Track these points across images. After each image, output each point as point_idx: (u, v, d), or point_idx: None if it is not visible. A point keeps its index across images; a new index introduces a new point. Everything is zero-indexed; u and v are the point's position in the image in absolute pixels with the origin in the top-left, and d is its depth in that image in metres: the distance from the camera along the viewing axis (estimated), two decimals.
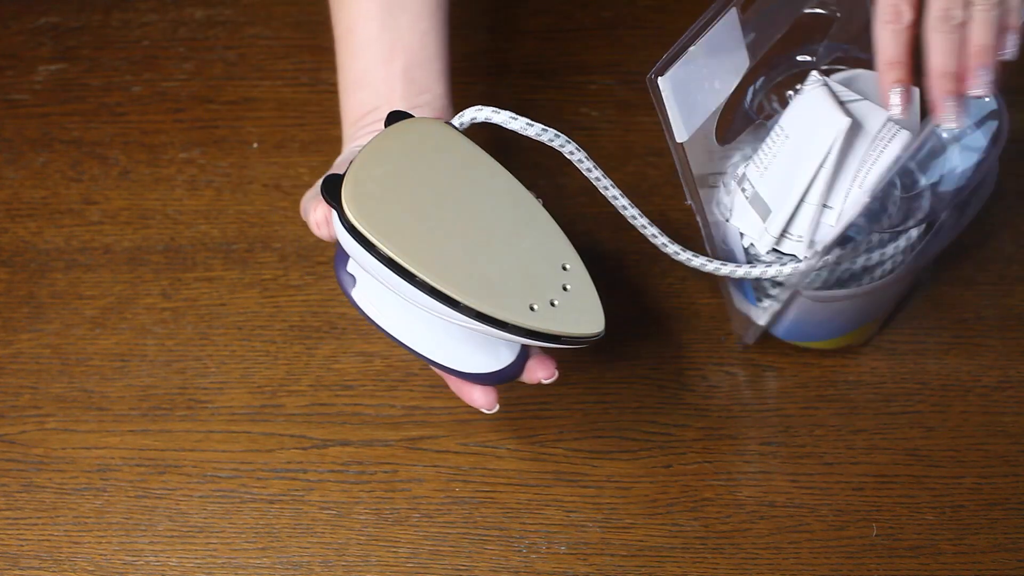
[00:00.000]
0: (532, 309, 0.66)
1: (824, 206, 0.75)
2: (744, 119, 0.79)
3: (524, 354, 0.74)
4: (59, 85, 1.00)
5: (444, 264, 0.66)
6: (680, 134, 0.73)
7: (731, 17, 0.72)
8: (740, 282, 0.82)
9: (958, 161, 0.77)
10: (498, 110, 0.71)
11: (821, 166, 0.74)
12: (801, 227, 0.76)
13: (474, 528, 0.82)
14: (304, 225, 0.93)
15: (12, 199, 0.96)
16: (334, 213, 0.68)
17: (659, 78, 0.71)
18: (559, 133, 0.72)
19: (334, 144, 0.97)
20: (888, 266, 0.80)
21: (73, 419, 0.87)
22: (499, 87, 0.99)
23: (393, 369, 0.88)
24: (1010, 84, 0.97)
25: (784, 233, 0.76)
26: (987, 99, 0.75)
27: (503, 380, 0.74)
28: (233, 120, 0.98)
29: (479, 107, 0.72)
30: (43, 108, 0.99)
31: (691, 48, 0.71)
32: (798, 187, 0.75)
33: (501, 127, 0.71)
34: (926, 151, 0.76)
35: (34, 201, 0.95)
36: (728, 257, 0.80)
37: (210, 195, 0.95)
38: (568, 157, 0.74)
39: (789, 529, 0.82)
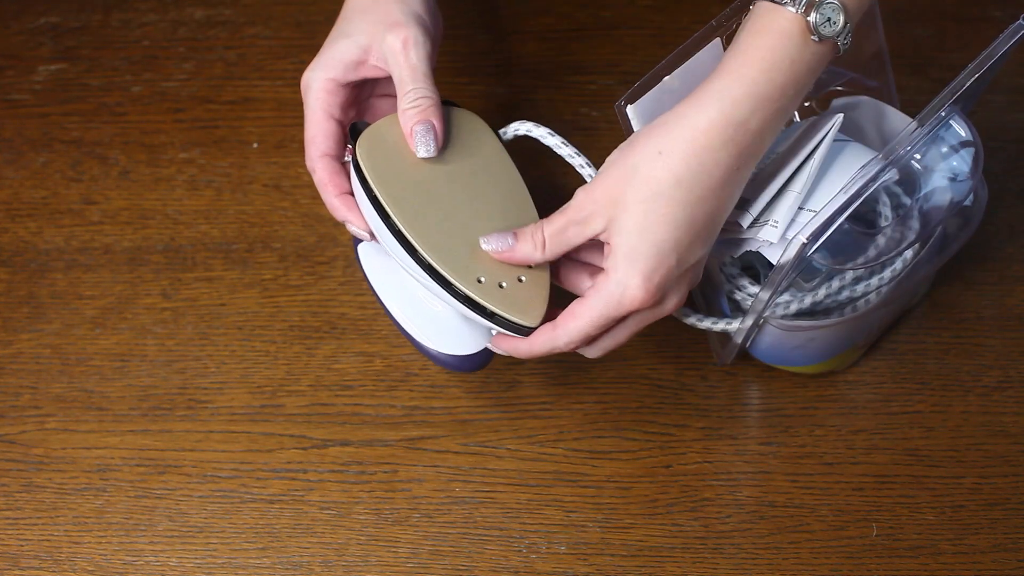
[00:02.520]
0: (479, 281, 0.73)
1: (800, 208, 0.75)
2: None
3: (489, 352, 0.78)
4: (59, 85, 1.00)
5: (422, 222, 0.74)
6: None
7: (715, 47, 0.71)
8: (716, 298, 0.81)
9: (938, 184, 0.78)
10: (538, 125, 0.79)
11: (810, 155, 0.74)
12: (779, 214, 0.75)
13: (474, 528, 0.82)
14: (304, 225, 0.93)
15: (12, 199, 0.96)
16: (351, 154, 0.76)
17: (628, 106, 0.70)
18: (589, 162, 0.78)
19: None
20: (871, 297, 0.80)
21: (73, 419, 0.87)
22: (499, 87, 0.99)
23: (393, 369, 0.88)
24: (1009, 84, 0.98)
25: (760, 218, 0.76)
26: (961, 131, 0.76)
27: (467, 367, 0.78)
28: (233, 120, 0.98)
29: (522, 121, 0.79)
30: (43, 108, 0.99)
31: (666, 78, 0.70)
32: (784, 173, 0.74)
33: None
34: (900, 177, 0.76)
35: (34, 201, 0.95)
36: (707, 285, 0.80)
37: (210, 195, 0.95)
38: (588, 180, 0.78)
39: (789, 529, 0.82)
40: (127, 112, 0.99)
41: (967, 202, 0.80)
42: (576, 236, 0.71)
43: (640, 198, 0.69)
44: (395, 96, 0.77)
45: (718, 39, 0.71)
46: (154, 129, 0.98)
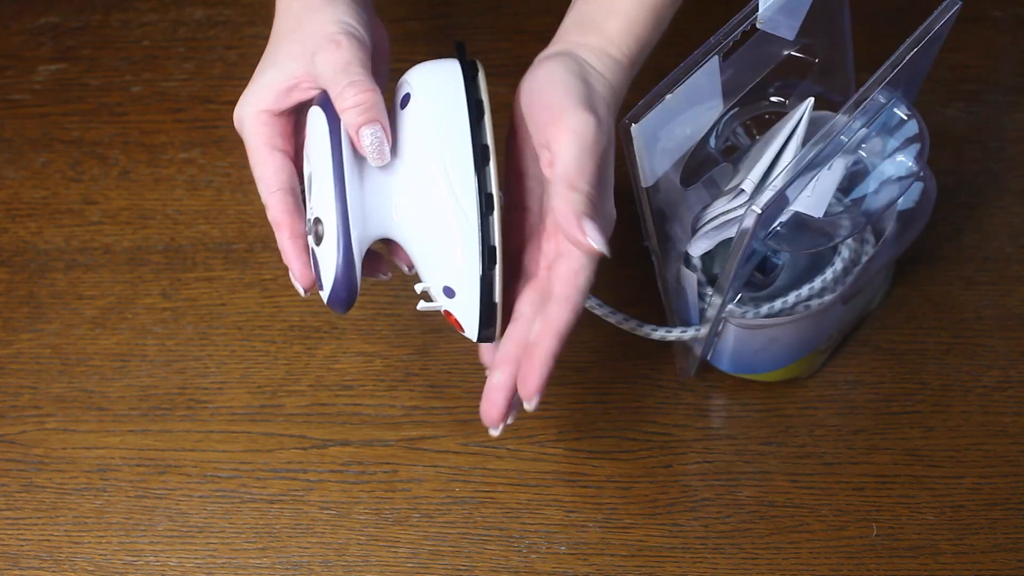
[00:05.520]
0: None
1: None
2: (708, 161, 0.78)
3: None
4: (59, 85, 1.00)
5: None
6: (645, 179, 0.73)
7: (712, 64, 0.72)
8: (687, 312, 0.81)
9: (884, 179, 0.78)
10: None
11: (791, 134, 0.75)
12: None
13: (474, 528, 0.82)
14: None
15: (12, 199, 0.96)
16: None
17: (632, 125, 0.70)
18: None
19: None
20: (821, 295, 0.80)
21: (73, 419, 0.87)
22: (499, 87, 0.99)
23: (393, 369, 0.88)
24: (1009, 84, 0.98)
25: (760, 185, 0.75)
26: (907, 120, 0.76)
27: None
28: (233, 120, 0.98)
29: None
30: (43, 108, 0.99)
31: (668, 96, 0.71)
32: (772, 150, 0.75)
33: None
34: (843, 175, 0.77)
35: (34, 201, 0.95)
36: (679, 296, 0.81)
37: (210, 195, 0.95)
38: None
39: (789, 529, 0.82)
40: (127, 112, 0.99)
41: (913, 197, 0.80)
42: None
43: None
44: None
45: (716, 57, 0.72)
46: (154, 129, 0.98)
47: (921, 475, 0.83)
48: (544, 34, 1.02)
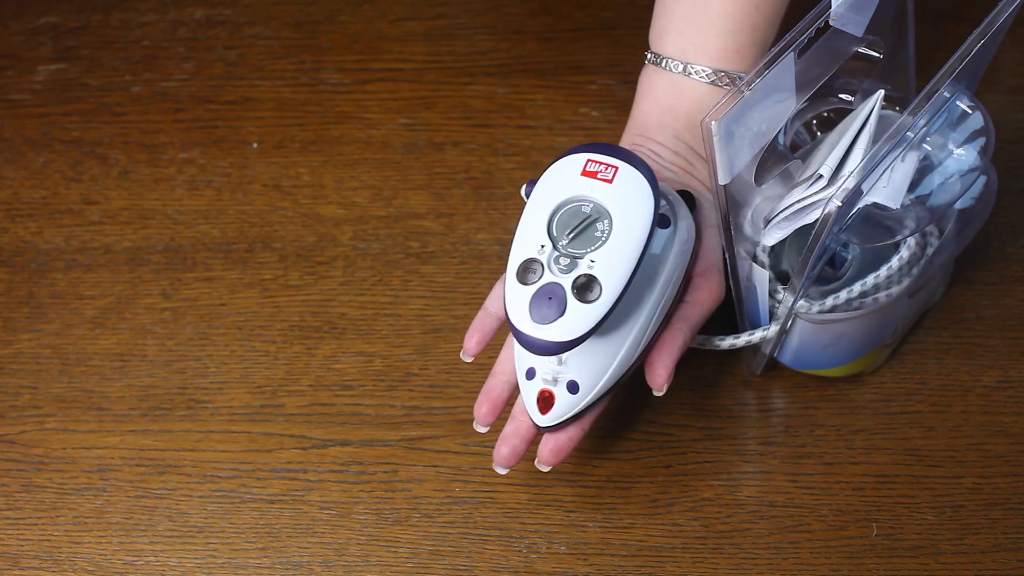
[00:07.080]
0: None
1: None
2: (778, 157, 0.79)
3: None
4: (59, 85, 1.00)
5: None
6: (723, 176, 0.73)
7: (788, 61, 0.72)
8: (755, 308, 0.82)
9: (949, 174, 0.78)
10: None
11: (864, 124, 0.75)
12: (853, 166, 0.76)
13: (474, 528, 0.82)
14: (304, 225, 0.93)
15: (12, 199, 0.96)
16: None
17: (712, 122, 0.71)
18: None
19: (333, 144, 0.97)
20: (886, 287, 0.80)
21: (73, 419, 0.87)
22: (499, 87, 0.99)
23: (393, 369, 0.88)
24: (1010, 84, 0.98)
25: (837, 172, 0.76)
26: (971, 113, 0.77)
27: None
28: (233, 120, 0.98)
29: None
30: (43, 108, 0.99)
31: (746, 93, 0.71)
32: (847, 138, 0.75)
33: None
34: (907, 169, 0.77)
35: (34, 201, 0.95)
36: (750, 296, 0.81)
37: (210, 195, 0.95)
38: None
39: (789, 529, 0.82)
40: (127, 112, 0.99)
41: (976, 191, 0.80)
42: None
43: None
44: None
45: (792, 54, 0.72)
46: (154, 129, 0.98)
47: (921, 475, 0.83)
48: (544, 34, 1.02)
